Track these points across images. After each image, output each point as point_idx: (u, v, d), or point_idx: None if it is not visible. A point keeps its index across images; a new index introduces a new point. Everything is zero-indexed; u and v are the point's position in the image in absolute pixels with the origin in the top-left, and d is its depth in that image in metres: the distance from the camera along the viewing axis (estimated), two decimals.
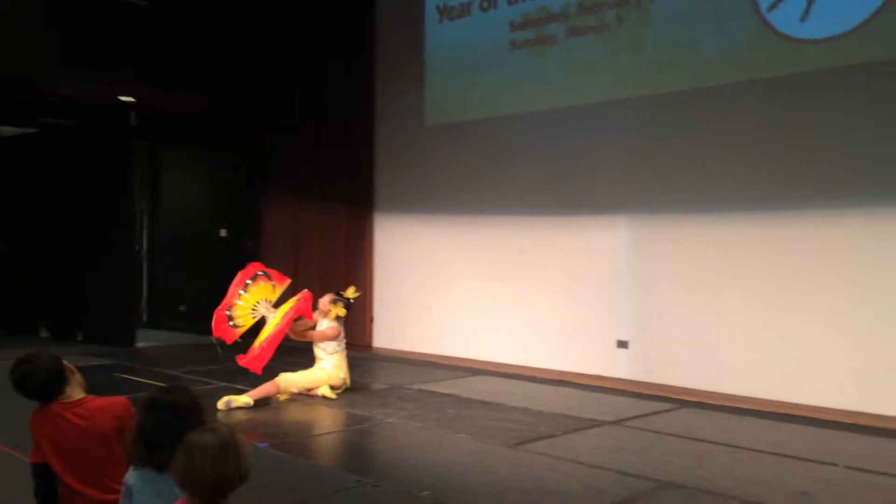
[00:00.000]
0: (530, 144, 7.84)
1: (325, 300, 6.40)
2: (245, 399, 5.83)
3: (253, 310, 6.26)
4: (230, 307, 6.20)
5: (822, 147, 6.00)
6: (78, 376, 2.88)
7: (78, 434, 2.70)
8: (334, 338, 6.31)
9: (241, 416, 5.61)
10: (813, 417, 5.60)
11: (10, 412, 5.62)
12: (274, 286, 6.35)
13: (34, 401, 2.82)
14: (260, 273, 6.34)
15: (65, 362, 2.87)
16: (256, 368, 5.92)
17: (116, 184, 9.49)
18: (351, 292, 6.55)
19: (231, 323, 6.16)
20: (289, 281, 6.44)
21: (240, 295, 6.24)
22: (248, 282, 6.29)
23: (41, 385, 2.78)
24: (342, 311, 6.37)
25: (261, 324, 6.25)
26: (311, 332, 6.34)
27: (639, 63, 7.05)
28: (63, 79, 8.84)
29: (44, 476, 2.75)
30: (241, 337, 6.26)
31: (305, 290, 6.35)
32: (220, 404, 5.69)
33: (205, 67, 9.60)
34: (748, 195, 6.38)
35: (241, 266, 10.04)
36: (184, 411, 2.33)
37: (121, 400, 2.85)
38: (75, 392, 2.84)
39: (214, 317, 6.22)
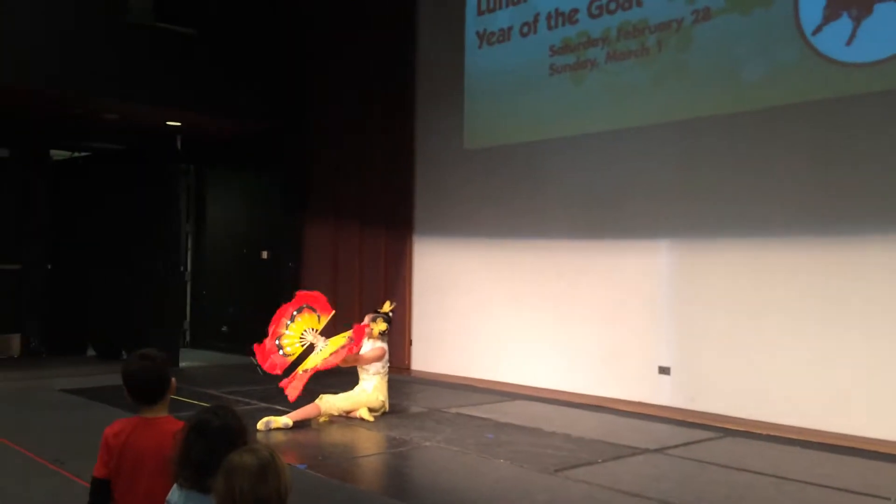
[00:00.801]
0: (570, 168, 7.83)
1: (365, 321, 6.45)
2: (284, 420, 5.88)
3: (301, 338, 6.34)
4: (279, 337, 6.29)
5: (868, 171, 5.89)
6: (171, 396, 2.84)
7: (151, 453, 2.63)
8: (380, 358, 6.36)
9: (280, 437, 5.64)
10: (864, 449, 5.43)
11: (53, 430, 5.76)
12: (319, 317, 6.43)
13: (134, 400, 2.77)
14: (305, 306, 6.41)
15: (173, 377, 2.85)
16: (292, 395, 5.99)
17: (163, 206, 9.69)
18: (387, 307, 6.62)
19: (281, 352, 6.25)
20: (333, 312, 6.49)
21: (287, 325, 6.32)
22: (294, 313, 6.37)
23: (150, 385, 2.75)
24: (383, 326, 6.42)
25: (308, 351, 6.33)
26: (357, 356, 6.36)
27: (680, 87, 7.01)
28: (112, 103, 9.11)
29: (103, 494, 2.70)
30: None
31: (362, 323, 6.42)
32: (260, 425, 5.74)
33: (249, 91, 9.80)
34: (792, 220, 6.27)
35: (282, 287, 10.23)
36: (233, 435, 2.33)
37: None
38: (164, 409, 2.81)
39: (263, 349, 6.29)
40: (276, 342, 6.26)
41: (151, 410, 2.78)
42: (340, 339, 6.25)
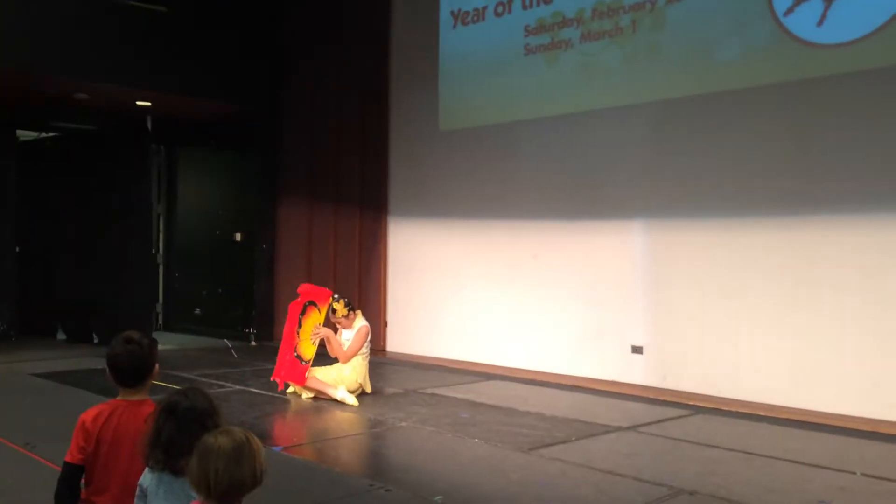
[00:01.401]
0: (545, 149, 7.83)
1: (336, 317, 6.46)
2: (345, 396, 6.10)
3: (312, 340, 6.38)
4: (295, 348, 6.27)
5: (839, 151, 5.96)
6: (152, 381, 2.82)
7: (130, 436, 2.61)
8: (364, 340, 6.37)
9: (255, 418, 5.63)
10: (831, 424, 5.55)
11: (23, 414, 5.69)
12: (320, 309, 6.44)
13: (117, 383, 2.75)
14: (308, 304, 6.40)
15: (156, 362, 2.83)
16: (300, 381, 6.24)
17: (133, 188, 9.58)
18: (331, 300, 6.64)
19: (302, 362, 6.28)
20: (330, 295, 6.50)
21: (297, 332, 6.31)
22: (300, 316, 6.35)
23: (132, 369, 2.73)
24: (342, 304, 6.40)
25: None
26: (347, 351, 6.36)
27: (654, 68, 7.03)
28: (82, 83, 8.94)
29: (75, 479, 2.67)
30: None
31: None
32: (352, 400, 6.04)
33: (222, 71, 9.67)
34: (765, 200, 6.34)
35: (254, 269, 10.18)
36: (202, 416, 2.32)
37: None
38: (144, 392, 2.78)
39: (285, 365, 6.28)
40: (297, 354, 6.26)
41: (131, 393, 2.76)
42: (317, 318, 6.42)
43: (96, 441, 2.65)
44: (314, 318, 6.44)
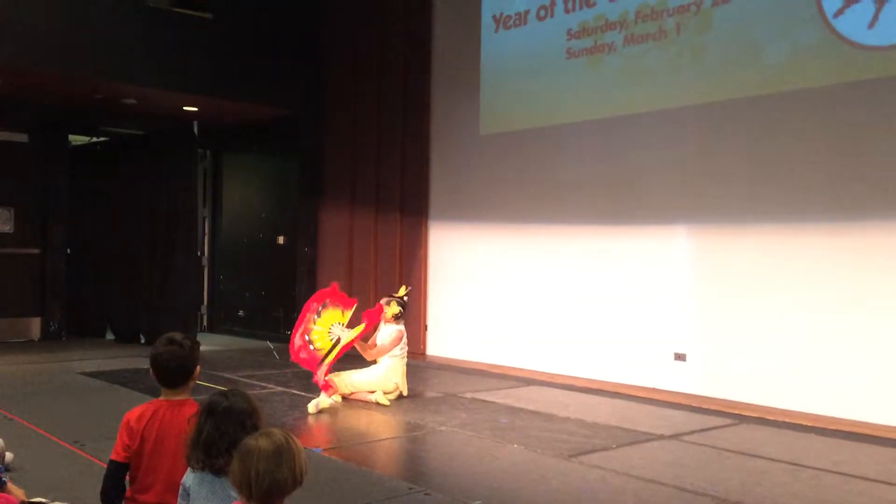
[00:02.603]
0: (587, 153, 7.78)
1: (381, 305, 6.54)
2: (331, 399, 6.05)
3: (329, 333, 6.39)
4: (308, 333, 6.34)
5: (889, 155, 5.80)
6: (194, 382, 2.89)
7: (173, 435, 2.67)
8: (398, 342, 6.44)
9: (296, 420, 5.68)
10: (882, 437, 5.40)
11: (72, 412, 5.83)
12: (343, 311, 6.49)
13: (160, 383, 2.82)
14: (328, 301, 6.47)
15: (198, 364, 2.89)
16: (321, 379, 6.19)
17: (180, 192, 9.74)
18: (402, 291, 6.76)
19: (312, 347, 6.33)
20: (355, 304, 6.54)
21: (314, 320, 6.38)
22: (320, 308, 6.42)
23: (173, 370, 2.80)
24: (396, 310, 6.51)
25: (336, 344, 6.42)
26: (377, 348, 6.44)
27: (699, 71, 6.93)
28: (130, 88, 9.15)
29: (120, 477, 2.74)
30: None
31: (375, 307, 6.59)
32: (311, 407, 5.89)
33: (265, 76, 9.80)
34: (812, 205, 6.20)
35: (298, 272, 10.28)
36: (241, 416, 2.36)
37: None
38: (185, 392, 2.85)
39: (293, 345, 6.35)
40: (307, 338, 6.33)
41: (174, 393, 2.82)
42: (358, 330, 6.37)
43: (140, 439, 2.71)
44: (334, 316, 6.42)
